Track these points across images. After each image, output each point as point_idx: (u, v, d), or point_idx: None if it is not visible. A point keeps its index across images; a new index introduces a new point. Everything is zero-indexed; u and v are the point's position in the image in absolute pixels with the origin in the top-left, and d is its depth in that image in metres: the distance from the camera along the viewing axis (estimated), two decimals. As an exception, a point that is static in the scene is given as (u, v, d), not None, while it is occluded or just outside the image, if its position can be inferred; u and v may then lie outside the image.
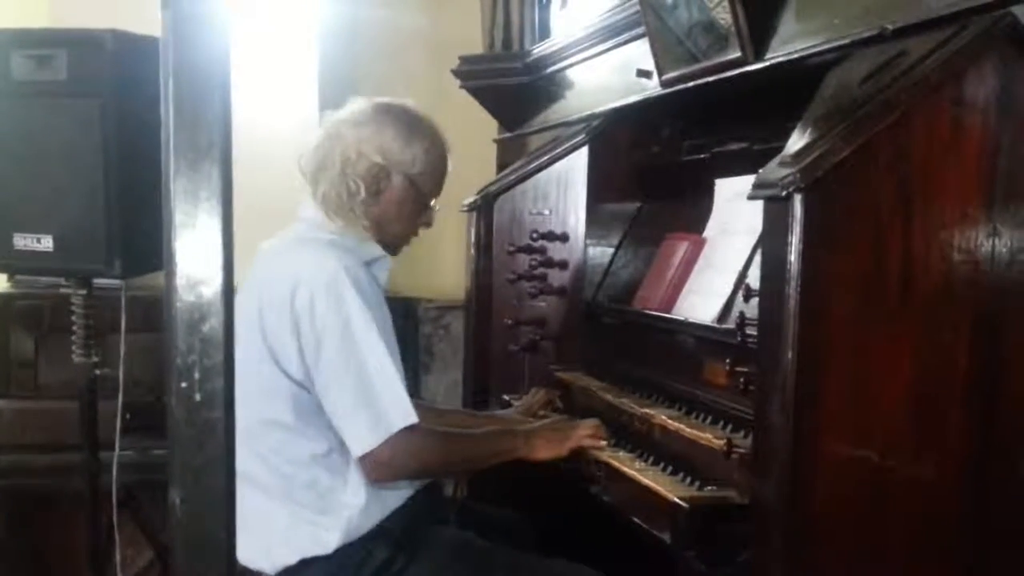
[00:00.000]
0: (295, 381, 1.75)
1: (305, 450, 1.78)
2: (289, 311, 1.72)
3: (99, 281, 2.42)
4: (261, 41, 3.52)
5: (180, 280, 0.88)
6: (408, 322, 3.60)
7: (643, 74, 2.17)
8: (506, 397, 2.39)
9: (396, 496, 1.85)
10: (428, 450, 1.80)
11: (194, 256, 0.88)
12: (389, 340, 1.77)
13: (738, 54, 1.81)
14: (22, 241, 2.20)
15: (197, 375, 0.89)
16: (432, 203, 1.98)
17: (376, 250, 1.91)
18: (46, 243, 2.20)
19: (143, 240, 2.20)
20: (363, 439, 1.73)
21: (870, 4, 1.54)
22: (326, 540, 1.78)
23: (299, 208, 1.94)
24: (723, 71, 1.86)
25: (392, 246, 1.97)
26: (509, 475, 1.96)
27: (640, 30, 2.18)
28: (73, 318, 2.35)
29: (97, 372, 2.38)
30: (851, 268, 1.29)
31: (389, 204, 1.90)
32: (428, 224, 2.01)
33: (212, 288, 0.89)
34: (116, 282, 2.46)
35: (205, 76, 0.87)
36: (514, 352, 2.53)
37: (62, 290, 2.40)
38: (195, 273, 0.88)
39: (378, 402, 1.72)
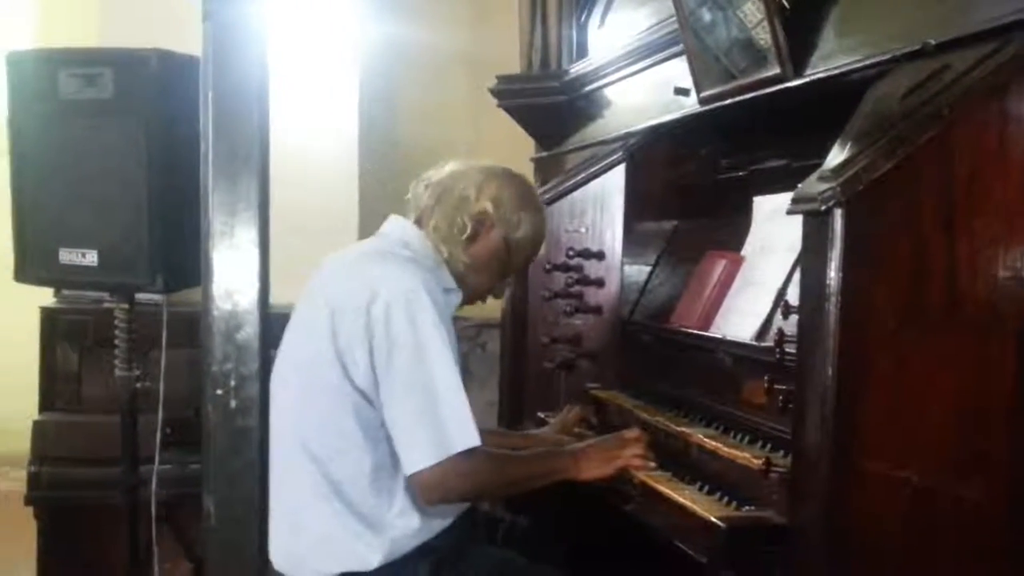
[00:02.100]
0: (360, 391, 1.76)
1: (360, 462, 1.79)
2: (364, 319, 1.74)
3: (141, 297, 2.45)
4: (304, 60, 3.57)
5: (217, 289, 0.89)
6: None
7: (681, 92, 2.17)
8: (541, 415, 2.38)
9: (442, 518, 1.85)
10: (480, 473, 1.79)
11: (231, 266, 0.89)
12: (456, 361, 1.79)
13: (777, 71, 1.80)
14: (67, 256, 2.24)
15: (233, 383, 0.90)
16: (511, 277, 2.07)
17: (451, 281, 1.94)
18: (91, 258, 2.23)
19: (185, 255, 2.23)
20: (419, 456, 1.73)
21: (911, 20, 1.53)
22: (369, 557, 1.78)
23: (384, 223, 1.99)
24: (762, 88, 1.85)
25: (465, 294, 2.00)
26: (543, 491, 1.95)
27: (678, 48, 2.18)
28: (116, 332, 2.39)
29: (138, 386, 2.41)
30: (892, 284, 1.27)
31: (481, 252, 1.96)
32: (499, 295, 2.11)
33: (248, 298, 0.90)
34: (157, 297, 2.50)
35: (243, 89, 0.89)
36: (550, 370, 2.52)
37: (105, 305, 2.43)
38: (232, 283, 0.89)
39: (442, 421, 1.73)
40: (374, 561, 1.78)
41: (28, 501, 3.14)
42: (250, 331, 0.91)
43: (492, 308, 3.34)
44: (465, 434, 1.75)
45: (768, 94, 1.83)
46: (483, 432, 1.78)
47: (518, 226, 1.96)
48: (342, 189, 3.71)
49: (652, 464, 1.89)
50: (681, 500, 1.67)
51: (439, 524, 1.85)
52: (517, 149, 3.35)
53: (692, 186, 2.32)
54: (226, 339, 0.91)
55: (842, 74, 1.65)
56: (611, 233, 2.38)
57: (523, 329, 2.63)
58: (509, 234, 1.96)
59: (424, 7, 3.88)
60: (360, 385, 1.76)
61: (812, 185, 1.30)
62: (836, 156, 1.35)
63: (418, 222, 1.96)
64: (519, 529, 2.09)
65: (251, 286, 0.91)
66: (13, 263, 2.35)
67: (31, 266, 2.33)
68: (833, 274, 1.24)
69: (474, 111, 3.68)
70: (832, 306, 1.24)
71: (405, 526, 1.80)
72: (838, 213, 1.25)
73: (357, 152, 3.71)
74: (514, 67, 3.27)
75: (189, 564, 3.02)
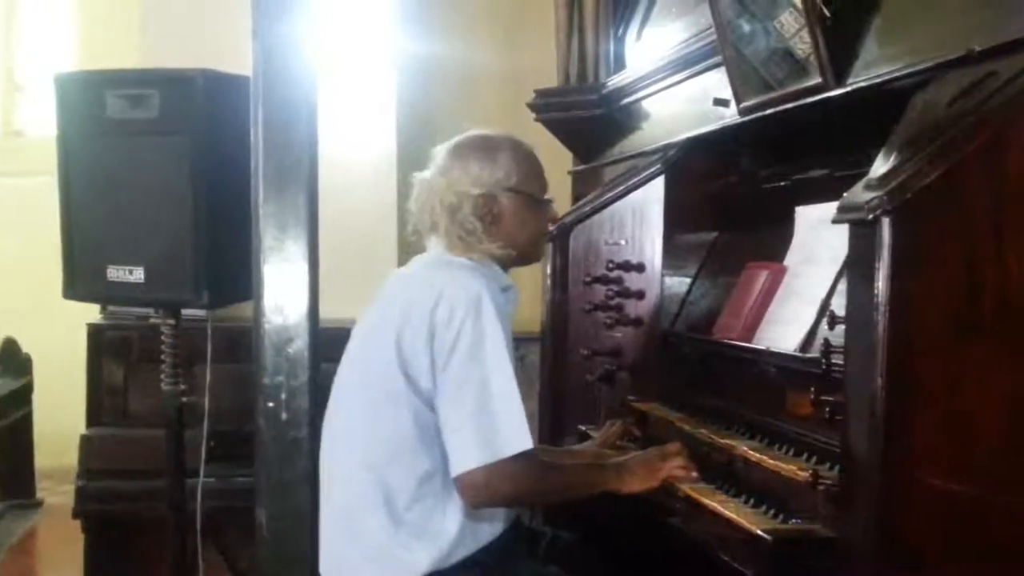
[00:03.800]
0: (422, 396, 1.76)
1: (414, 469, 1.79)
2: (428, 322, 1.75)
3: (185, 312, 2.49)
4: (342, 76, 3.60)
5: (268, 303, 0.91)
6: (484, 354, 3.60)
7: (720, 103, 2.16)
8: (582, 428, 2.38)
9: (490, 529, 1.85)
10: (525, 478, 1.79)
11: (281, 280, 0.91)
12: (514, 366, 1.79)
13: (819, 80, 1.79)
14: (115, 273, 2.29)
15: (284, 395, 0.91)
16: (547, 199, 2.02)
17: (507, 279, 1.95)
18: (138, 275, 2.27)
19: (230, 272, 2.26)
20: (466, 457, 1.73)
21: (955, 26, 1.51)
22: (416, 566, 1.78)
23: (428, 245, 1.98)
24: (803, 97, 1.84)
25: (531, 256, 2.03)
26: (585, 505, 1.94)
27: (716, 59, 2.18)
28: (162, 347, 2.43)
29: (184, 400, 2.45)
30: (942, 292, 1.26)
31: (509, 222, 1.94)
32: (554, 219, 2.07)
33: (298, 311, 0.92)
34: (201, 313, 2.53)
35: (292, 106, 0.91)
36: (590, 383, 2.51)
37: (151, 320, 2.47)
38: (282, 297, 0.91)
39: (493, 423, 1.73)
40: (421, 567, 1.78)
41: (76, 514, 3.19)
42: (300, 344, 0.93)
43: (531, 321, 3.35)
44: (518, 438, 1.75)
45: (810, 104, 1.82)
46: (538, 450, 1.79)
47: (508, 173, 1.93)
48: (380, 204, 3.74)
49: (695, 475, 1.88)
50: (726, 513, 1.66)
51: (488, 533, 1.85)
52: (554, 162, 3.34)
53: (732, 197, 2.31)
54: (277, 352, 0.93)
55: (885, 82, 1.63)
56: (651, 245, 2.37)
57: (563, 342, 2.63)
58: (509, 185, 1.93)
59: (460, 23, 3.91)
60: (423, 390, 1.77)
61: (858, 194, 1.29)
62: (882, 164, 1.34)
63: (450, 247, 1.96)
64: (562, 543, 2.08)
65: (301, 300, 0.93)
66: (62, 280, 2.40)
67: (80, 283, 2.37)
68: (881, 284, 1.23)
69: (510, 125, 3.68)
70: (880, 316, 1.23)
71: (455, 533, 1.80)
72: (885, 222, 1.24)
73: (396, 168, 3.74)
74: (549, 81, 3.29)
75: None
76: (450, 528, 1.80)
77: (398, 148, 3.74)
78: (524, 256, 2.00)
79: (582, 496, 1.91)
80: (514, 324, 3.80)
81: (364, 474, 1.79)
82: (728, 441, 1.85)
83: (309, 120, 0.86)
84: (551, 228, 2.07)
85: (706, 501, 1.74)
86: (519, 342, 3.68)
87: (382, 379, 1.77)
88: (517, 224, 1.95)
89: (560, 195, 3.39)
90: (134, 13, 4.11)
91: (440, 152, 1.96)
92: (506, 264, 1.97)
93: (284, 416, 0.86)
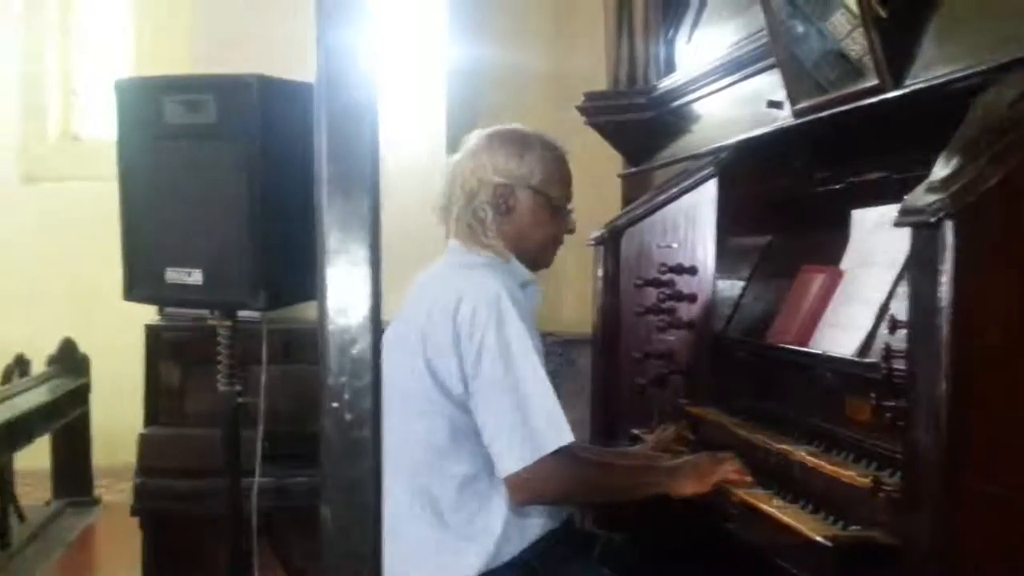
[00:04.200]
0: (454, 400, 1.78)
1: (456, 472, 1.81)
2: (451, 326, 1.77)
3: (240, 314, 2.53)
4: (393, 80, 3.64)
5: (332, 304, 0.92)
6: (533, 356, 3.61)
7: (774, 105, 2.14)
8: (635, 432, 2.37)
9: (537, 526, 1.86)
10: (574, 476, 1.80)
11: (345, 282, 0.92)
12: (542, 361, 1.80)
13: (875, 82, 1.77)
14: (174, 275, 2.33)
15: (347, 395, 0.92)
16: (568, 207, 2.00)
17: (526, 272, 1.95)
18: (196, 277, 2.31)
19: (285, 274, 2.30)
20: (512, 458, 1.74)
21: (1016, 27, 1.48)
22: (467, 568, 1.80)
23: (447, 244, 2.00)
24: (860, 99, 1.82)
25: (538, 260, 2.02)
26: (639, 508, 1.94)
27: (769, 61, 2.16)
28: (218, 348, 2.46)
29: (240, 401, 2.48)
30: (1006, 296, 1.24)
31: (522, 218, 1.94)
32: (571, 230, 2.05)
33: (361, 312, 0.93)
34: (255, 315, 2.57)
35: (355, 110, 0.92)
36: (642, 386, 2.50)
37: (209, 322, 2.51)
38: (346, 299, 0.92)
39: (533, 421, 1.74)
40: (472, 571, 1.80)
41: (134, 511, 3.26)
42: (363, 345, 0.94)
43: (581, 323, 3.35)
44: (557, 433, 1.76)
45: (866, 105, 1.80)
46: (584, 449, 1.78)
47: (532, 170, 1.94)
48: (429, 205, 3.77)
49: (749, 479, 1.86)
50: (784, 518, 1.64)
51: (535, 529, 1.85)
52: (603, 165, 3.35)
53: (785, 200, 2.28)
54: (341, 353, 0.94)
55: (944, 84, 1.61)
56: (703, 248, 2.36)
57: (614, 345, 2.63)
58: (531, 183, 1.94)
59: (510, 26, 3.93)
60: (453, 394, 1.78)
61: (920, 197, 1.28)
62: (944, 167, 1.32)
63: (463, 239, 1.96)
64: (615, 546, 2.08)
65: (364, 301, 0.94)
66: (123, 282, 2.45)
67: (139, 285, 2.42)
68: (944, 287, 1.21)
69: (558, 127, 3.69)
70: (944, 320, 1.21)
71: (500, 532, 1.81)
72: (949, 225, 1.22)
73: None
74: (598, 84, 3.29)
75: (286, 574, 3.09)
76: (495, 527, 1.81)
77: (447, 151, 3.76)
78: (532, 259, 1.99)
79: (633, 498, 1.91)
80: (562, 326, 3.82)
81: (404, 483, 1.82)
82: (784, 446, 1.84)
83: (371, 125, 0.87)
84: (564, 239, 2.05)
85: (763, 506, 1.73)
86: (568, 344, 3.71)
87: (414, 387, 1.79)
88: (531, 223, 1.95)
89: (610, 198, 3.40)
90: (188, 19, 4.19)
91: (473, 137, 1.98)
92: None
93: (348, 416, 0.87)
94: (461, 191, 1.93)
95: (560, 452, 1.75)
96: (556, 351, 3.69)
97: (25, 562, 4.23)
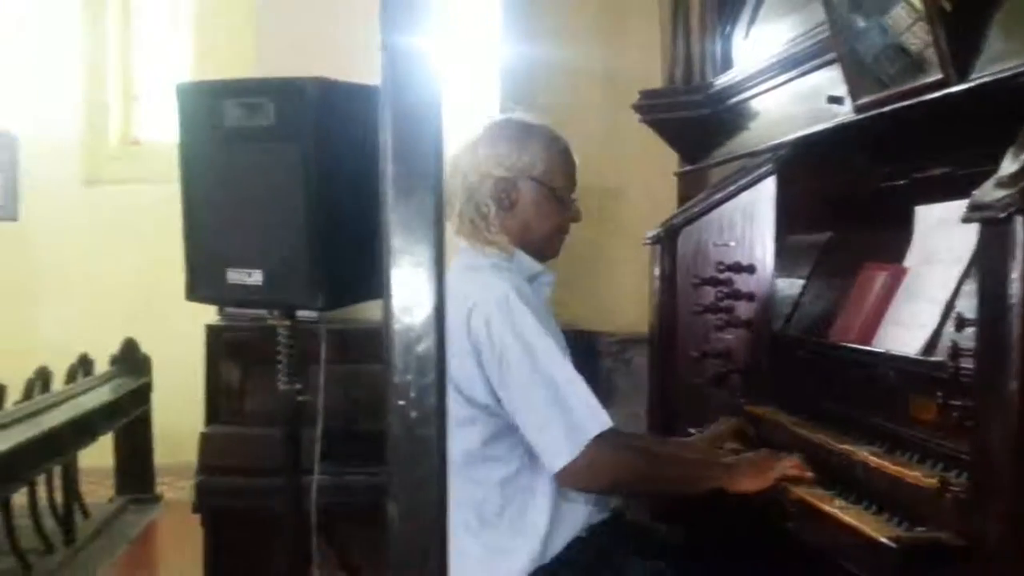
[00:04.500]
0: (480, 406, 1.79)
1: (495, 474, 1.82)
2: (466, 336, 1.77)
3: (298, 314, 2.56)
4: (447, 78, 3.67)
5: (397, 303, 0.93)
6: (588, 355, 3.60)
7: (834, 100, 2.12)
8: (692, 431, 2.36)
9: (584, 518, 1.86)
10: (627, 463, 1.80)
11: (409, 281, 0.93)
12: (564, 351, 1.80)
13: (939, 76, 1.74)
14: (235, 276, 2.37)
15: (413, 393, 0.93)
16: (572, 197, 1.99)
17: (535, 265, 1.94)
18: (256, 277, 2.35)
19: (343, 275, 2.32)
20: (559, 451, 1.75)
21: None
22: (518, 564, 1.80)
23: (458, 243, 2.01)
24: (923, 94, 1.79)
25: (544, 251, 2.00)
26: (696, 503, 1.92)
27: (829, 56, 2.13)
28: (278, 348, 2.50)
29: (300, 399, 2.52)
30: (1080, 293, 1.21)
31: (525, 211, 1.94)
32: (575, 219, 2.03)
33: (426, 312, 0.93)
34: (313, 315, 2.60)
35: (420, 112, 0.92)
36: (700, 385, 2.49)
37: (268, 322, 2.55)
38: (410, 298, 0.93)
39: (571, 412, 1.75)
40: (524, 568, 1.80)
41: (195, 509, 3.32)
42: (428, 343, 0.94)
43: (638, 323, 3.33)
44: (596, 418, 1.76)
45: (930, 100, 1.77)
46: (636, 437, 1.78)
47: (533, 161, 1.92)
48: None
49: (810, 475, 1.84)
50: (846, 519, 1.62)
51: (580, 517, 1.86)
52: (657, 163, 3.34)
53: (846, 197, 2.25)
54: (406, 351, 0.94)
55: (1011, 77, 1.57)
56: (761, 246, 2.33)
57: (671, 344, 2.61)
58: (532, 174, 1.92)
59: (563, 25, 3.92)
60: (479, 401, 1.79)
61: (989, 192, 1.25)
62: (1013, 162, 1.29)
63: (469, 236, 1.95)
64: (673, 541, 2.07)
65: (428, 300, 0.95)
66: (185, 283, 2.50)
67: (201, 285, 2.46)
68: (1015, 283, 1.19)
69: (613, 125, 3.69)
70: (1015, 317, 1.19)
71: (546, 524, 1.82)
72: (1019, 220, 1.19)
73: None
74: (652, 82, 3.27)
75: (343, 572, 3.12)
76: (540, 520, 1.81)
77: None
78: (537, 250, 1.98)
79: (689, 491, 1.90)
80: (618, 326, 3.80)
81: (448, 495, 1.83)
82: (846, 446, 1.81)
83: (435, 125, 0.87)
84: (570, 228, 2.04)
85: (824, 507, 1.71)
86: (624, 343, 3.69)
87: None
88: (535, 216, 1.94)
89: (666, 197, 3.39)
90: (247, 23, 4.26)
91: (474, 131, 1.98)
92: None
93: (414, 414, 0.87)
94: (462, 186, 1.93)
95: (604, 437, 1.75)
96: (612, 350, 3.68)
97: (90, 557, 4.34)
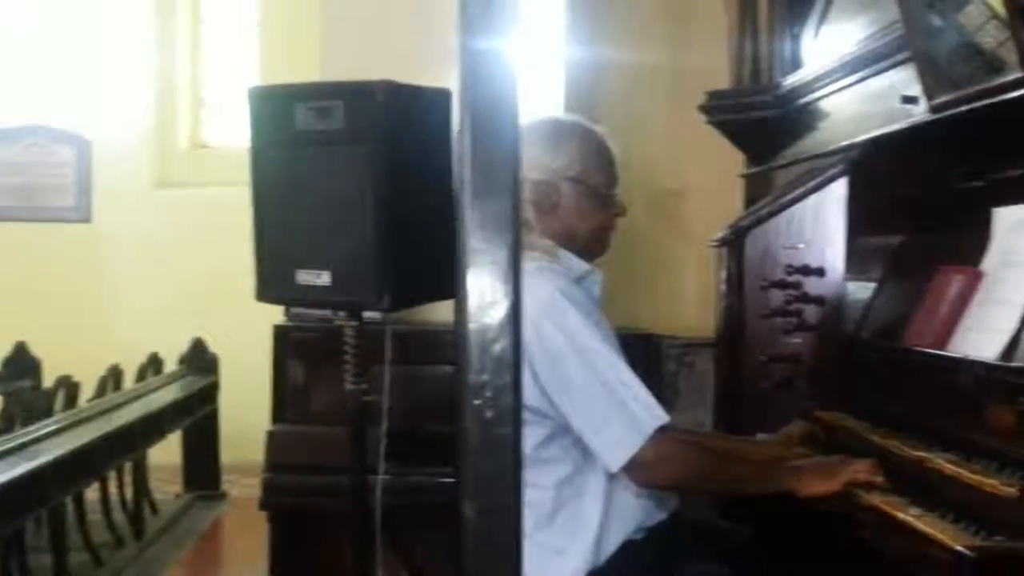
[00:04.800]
0: (532, 410, 1.79)
1: (549, 476, 1.82)
2: None
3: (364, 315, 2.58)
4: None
5: (473, 303, 0.94)
6: (650, 359, 3.58)
7: (908, 100, 2.08)
8: (760, 436, 2.33)
9: (638, 517, 1.84)
10: (690, 459, 1.79)
11: (485, 281, 0.93)
12: (617, 349, 1.79)
13: (1019, 75, 1.70)
14: (304, 276, 2.39)
15: (488, 393, 0.94)
16: (613, 192, 1.97)
17: (583, 265, 1.93)
18: (324, 278, 2.37)
19: (410, 276, 2.34)
20: (619, 449, 1.74)
21: None
22: (573, 564, 1.80)
23: None
24: (1000, 93, 1.75)
25: (591, 250, 1.98)
26: (764, 503, 1.90)
27: (903, 55, 2.09)
28: (345, 348, 2.52)
29: (365, 399, 2.54)
30: None
31: (566, 212, 1.92)
32: (621, 213, 2.00)
33: (502, 312, 0.94)
34: (377, 316, 2.63)
35: (497, 113, 0.93)
36: (767, 390, 2.46)
37: (335, 323, 2.58)
38: (487, 298, 0.93)
39: (627, 408, 1.74)
40: (580, 568, 1.80)
41: (262, 506, 3.37)
42: (504, 344, 0.95)
43: (701, 327, 3.31)
44: (652, 412, 1.75)
45: (1010, 100, 1.73)
46: (702, 434, 1.75)
47: (570, 162, 1.89)
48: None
49: (880, 480, 1.80)
50: (920, 527, 1.59)
51: (633, 514, 1.84)
52: (722, 165, 3.30)
53: (920, 198, 2.21)
54: (482, 351, 0.95)
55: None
56: (832, 249, 2.30)
57: (738, 347, 2.58)
58: (570, 175, 1.90)
59: (627, 25, 3.91)
60: (531, 404, 1.78)
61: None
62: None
63: None
64: (737, 541, 2.04)
65: (504, 300, 0.95)
66: (255, 283, 2.54)
67: (271, 286, 2.50)
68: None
69: (677, 127, 3.67)
70: (1104, 321, 1.15)
71: (598, 522, 1.81)
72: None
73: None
74: (718, 82, 3.25)
75: (405, 571, 3.15)
76: (592, 521, 1.81)
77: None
78: (585, 249, 1.95)
79: (756, 491, 1.87)
80: (682, 329, 3.77)
81: None
82: (920, 453, 1.77)
83: (512, 128, 0.88)
84: (616, 223, 2.00)
85: (898, 514, 1.67)
86: (687, 347, 3.67)
87: None
88: (577, 216, 1.92)
89: (731, 199, 3.36)
90: (312, 28, 4.32)
91: None
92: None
93: (489, 414, 0.88)
94: None
95: (663, 431, 1.74)
96: (675, 353, 3.65)
97: (159, 552, 4.44)
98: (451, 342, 3.70)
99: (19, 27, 6.13)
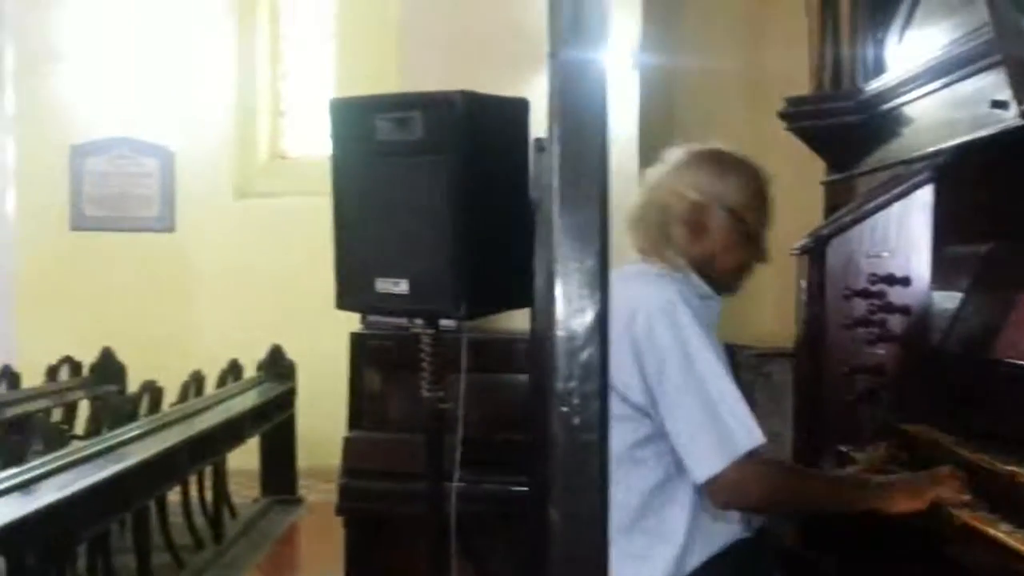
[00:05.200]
0: (633, 405, 1.79)
1: (641, 480, 1.81)
2: (628, 337, 1.77)
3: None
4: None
5: (560, 311, 0.94)
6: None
7: (998, 105, 2.02)
8: (842, 448, 2.28)
9: (726, 534, 1.83)
10: (774, 480, 1.77)
11: (573, 289, 0.93)
12: (725, 364, 1.78)
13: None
14: (382, 285, 2.43)
15: (576, 400, 0.94)
16: (763, 235, 1.96)
17: (705, 288, 1.92)
18: (402, 287, 2.41)
19: (486, 284, 2.36)
20: (707, 462, 1.73)
21: None
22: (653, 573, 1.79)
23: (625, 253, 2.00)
24: (1099, 96, 1.69)
25: (724, 283, 1.97)
26: (850, 528, 1.86)
27: (992, 59, 2.04)
28: (421, 355, 2.55)
29: (442, 407, 2.56)
30: None
31: (712, 240, 1.92)
32: (763, 259, 2.00)
33: (589, 318, 0.94)
34: (451, 324, 2.65)
35: (587, 123, 0.94)
36: (849, 402, 2.41)
37: (412, 330, 2.61)
38: (575, 305, 0.94)
39: (722, 424, 1.72)
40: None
41: (339, 511, 3.42)
42: (592, 350, 0.95)
43: (777, 337, 3.26)
44: (749, 433, 1.73)
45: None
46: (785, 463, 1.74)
47: (729, 191, 1.89)
48: (621, 210, 3.79)
49: (966, 498, 1.76)
50: (1013, 544, 1.54)
51: (721, 536, 1.83)
52: (801, 172, 3.25)
53: (1010, 205, 2.14)
54: (570, 358, 0.95)
55: None
56: (917, 257, 2.24)
57: (818, 358, 2.53)
58: (727, 204, 1.89)
59: (704, 30, 3.89)
60: (633, 400, 1.78)
61: None
62: None
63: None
64: (823, 570, 2.01)
65: (592, 308, 0.95)
66: (335, 291, 2.58)
67: (351, 294, 2.54)
68: None
69: (754, 134, 3.63)
70: None
71: (684, 536, 1.80)
72: None
73: (637, 173, 3.77)
74: (794, 88, 3.20)
75: (478, 578, 3.16)
76: (678, 531, 1.79)
77: (639, 155, 3.76)
78: (719, 283, 1.94)
79: (840, 511, 1.84)
80: (758, 339, 3.72)
81: None
82: (1012, 467, 1.72)
83: (602, 138, 0.88)
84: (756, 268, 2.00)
85: (988, 531, 1.63)
86: (764, 358, 3.61)
87: None
88: (721, 247, 1.91)
89: (810, 207, 3.31)
90: (388, 40, 4.39)
91: (674, 152, 1.96)
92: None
93: (576, 420, 0.88)
94: (655, 205, 1.92)
95: (755, 453, 1.72)
96: (751, 364, 3.61)
97: (237, 555, 4.53)
98: (524, 350, 3.72)
99: (106, 44, 6.35)
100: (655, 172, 1.97)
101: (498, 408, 3.31)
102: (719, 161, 1.94)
